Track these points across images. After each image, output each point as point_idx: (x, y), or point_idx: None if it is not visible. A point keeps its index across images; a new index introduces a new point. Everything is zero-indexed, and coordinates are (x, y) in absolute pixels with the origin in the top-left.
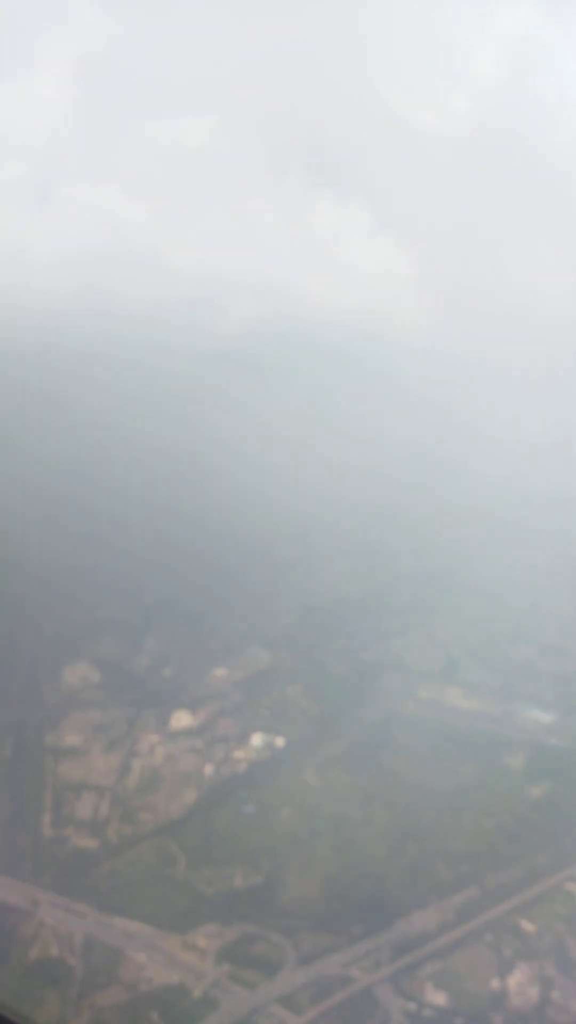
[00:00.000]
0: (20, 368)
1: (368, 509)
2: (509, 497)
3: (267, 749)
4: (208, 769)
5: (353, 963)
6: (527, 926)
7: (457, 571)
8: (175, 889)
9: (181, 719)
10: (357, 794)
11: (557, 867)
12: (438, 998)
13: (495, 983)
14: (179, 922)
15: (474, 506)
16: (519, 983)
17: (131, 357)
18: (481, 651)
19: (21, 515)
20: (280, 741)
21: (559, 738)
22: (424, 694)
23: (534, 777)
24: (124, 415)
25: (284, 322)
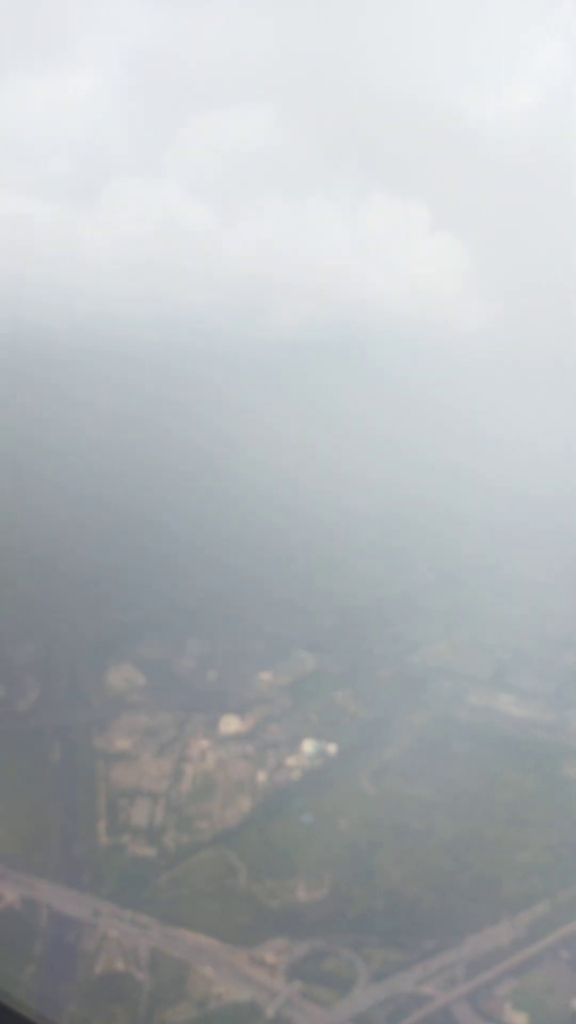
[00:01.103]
0: (60, 373)
1: (389, 518)
2: (526, 503)
3: (319, 756)
4: (261, 776)
5: (427, 980)
6: None
7: (484, 576)
8: (238, 901)
9: (230, 724)
10: (415, 803)
11: None
12: (518, 1019)
13: None
14: (245, 936)
15: (491, 513)
16: None
17: (176, 363)
18: (530, 656)
19: (57, 518)
20: (332, 748)
21: None
22: (475, 700)
23: None
24: (162, 422)
25: (334, 328)
